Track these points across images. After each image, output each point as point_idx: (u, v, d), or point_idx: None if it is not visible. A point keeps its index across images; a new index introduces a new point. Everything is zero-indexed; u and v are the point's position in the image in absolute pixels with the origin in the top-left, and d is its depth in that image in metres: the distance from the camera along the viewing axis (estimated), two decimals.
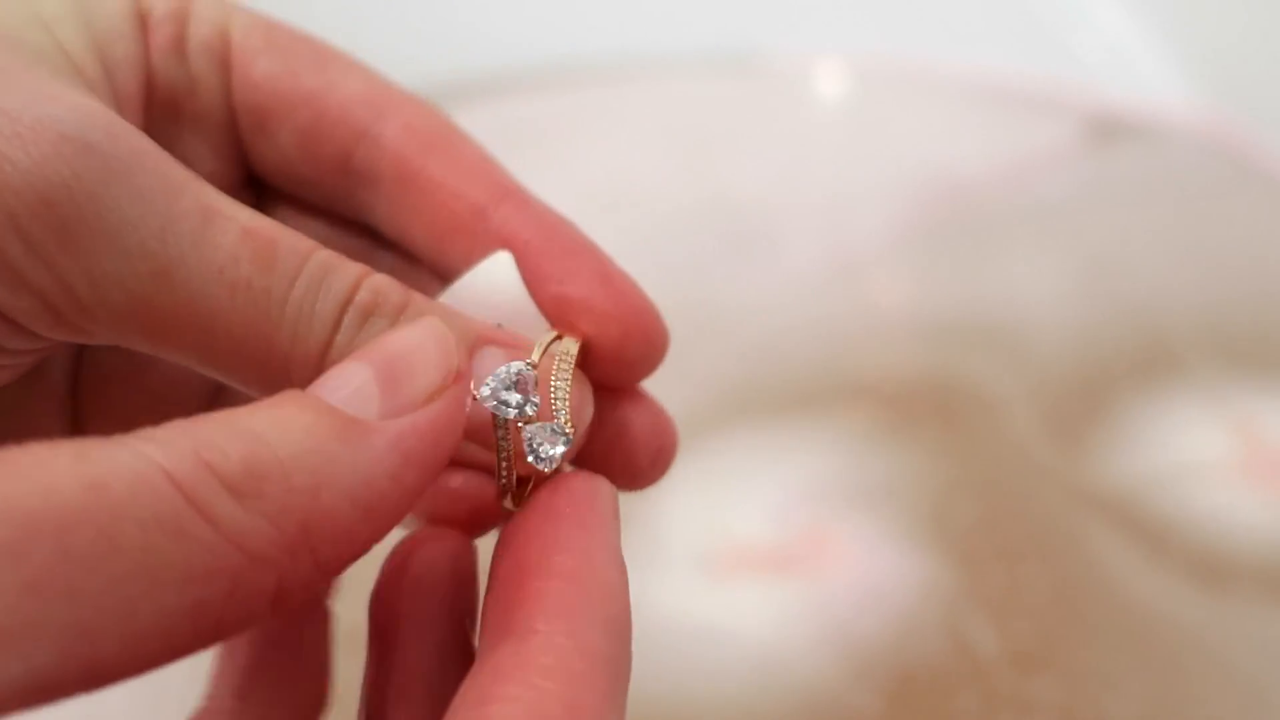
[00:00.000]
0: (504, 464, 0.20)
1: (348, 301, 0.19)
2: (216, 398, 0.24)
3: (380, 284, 0.20)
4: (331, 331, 0.19)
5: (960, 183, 0.63)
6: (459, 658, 0.20)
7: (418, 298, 0.20)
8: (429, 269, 0.23)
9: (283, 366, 0.19)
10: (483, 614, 0.19)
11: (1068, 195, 0.63)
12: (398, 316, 0.19)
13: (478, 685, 0.17)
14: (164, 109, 0.22)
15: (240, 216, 0.19)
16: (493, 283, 0.22)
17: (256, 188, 0.24)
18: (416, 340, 0.19)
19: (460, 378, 0.19)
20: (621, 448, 0.22)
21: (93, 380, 0.23)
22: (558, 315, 0.22)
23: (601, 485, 0.20)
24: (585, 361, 0.22)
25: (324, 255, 0.20)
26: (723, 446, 0.47)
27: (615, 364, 0.22)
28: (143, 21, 0.22)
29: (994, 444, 0.48)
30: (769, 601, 0.42)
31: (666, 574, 0.43)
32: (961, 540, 0.44)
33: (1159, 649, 0.40)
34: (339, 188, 0.23)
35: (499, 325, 0.21)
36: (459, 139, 0.23)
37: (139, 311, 0.19)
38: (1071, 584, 0.42)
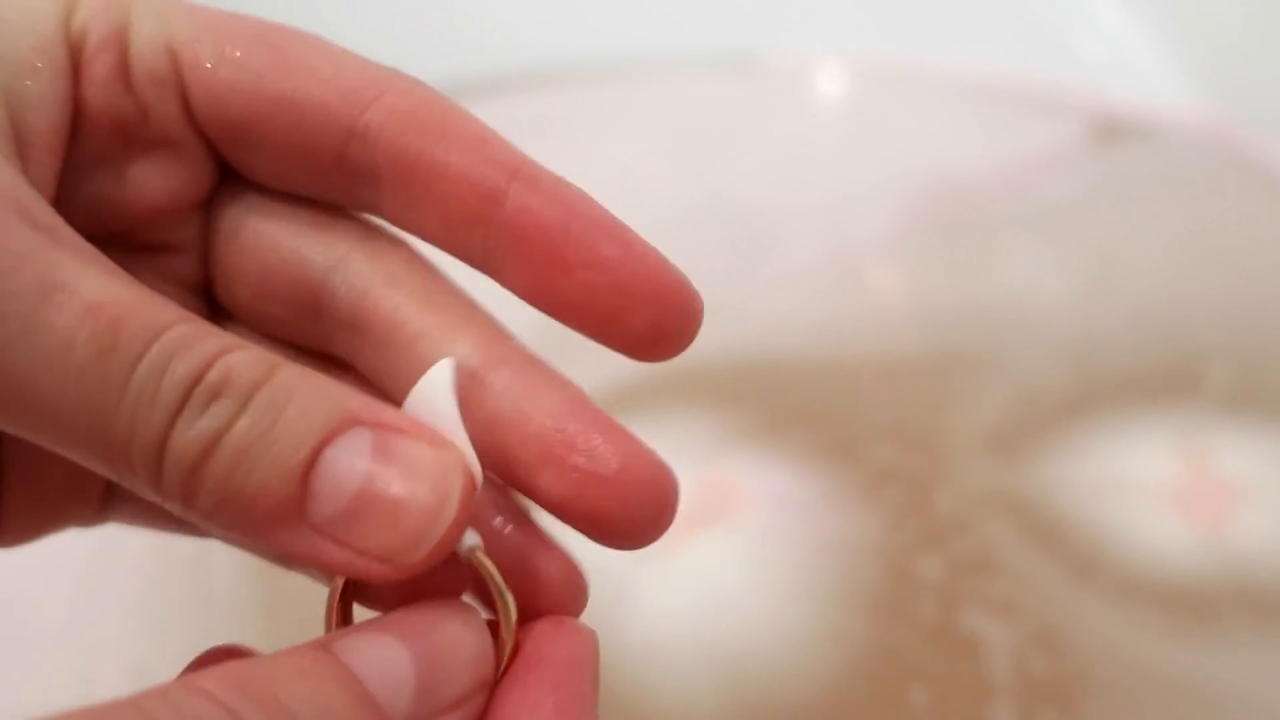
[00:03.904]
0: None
1: (194, 383, 0.17)
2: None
3: (237, 361, 0.18)
4: (171, 419, 0.17)
5: (961, 183, 0.63)
6: None
7: (279, 376, 0.18)
8: (452, 256, 0.22)
9: (122, 454, 0.18)
10: None
11: (1069, 196, 0.62)
12: (249, 397, 0.18)
13: None
14: (109, 137, 0.21)
15: (88, 291, 0.17)
16: (428, 398, 0.20)
17: (243, 184, 0.23)
18: (463, 639, 0.18)
19: (487, 688, 0.18)
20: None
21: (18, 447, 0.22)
22: (587, 300, 0.20)
23: (581, 640, 0.19)
24: (617, 341, 0.21)
25: (179, 332, 0.18)
26: (717, 439, 0.47)
27: (649, 341, 0.21)
28: (75, 53, 0.20)
29: (969, 441, 0.48)
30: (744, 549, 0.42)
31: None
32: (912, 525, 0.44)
33: (1062, 652, 0.40)
34: (338, 185, 0.22)
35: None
36: (451, 114, 0.21)
37: None
38: (974, 567, 0.43)
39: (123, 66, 0.21)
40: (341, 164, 0.21)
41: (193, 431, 0.17)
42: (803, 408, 0.50)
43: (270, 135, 0.21)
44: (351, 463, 0.18)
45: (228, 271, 0.23)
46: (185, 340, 0.18)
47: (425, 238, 0.21)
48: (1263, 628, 0.41)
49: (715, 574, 0.43)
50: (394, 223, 0.22)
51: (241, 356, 0.18)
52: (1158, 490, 0.45)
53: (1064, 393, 0.50)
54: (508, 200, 0.20)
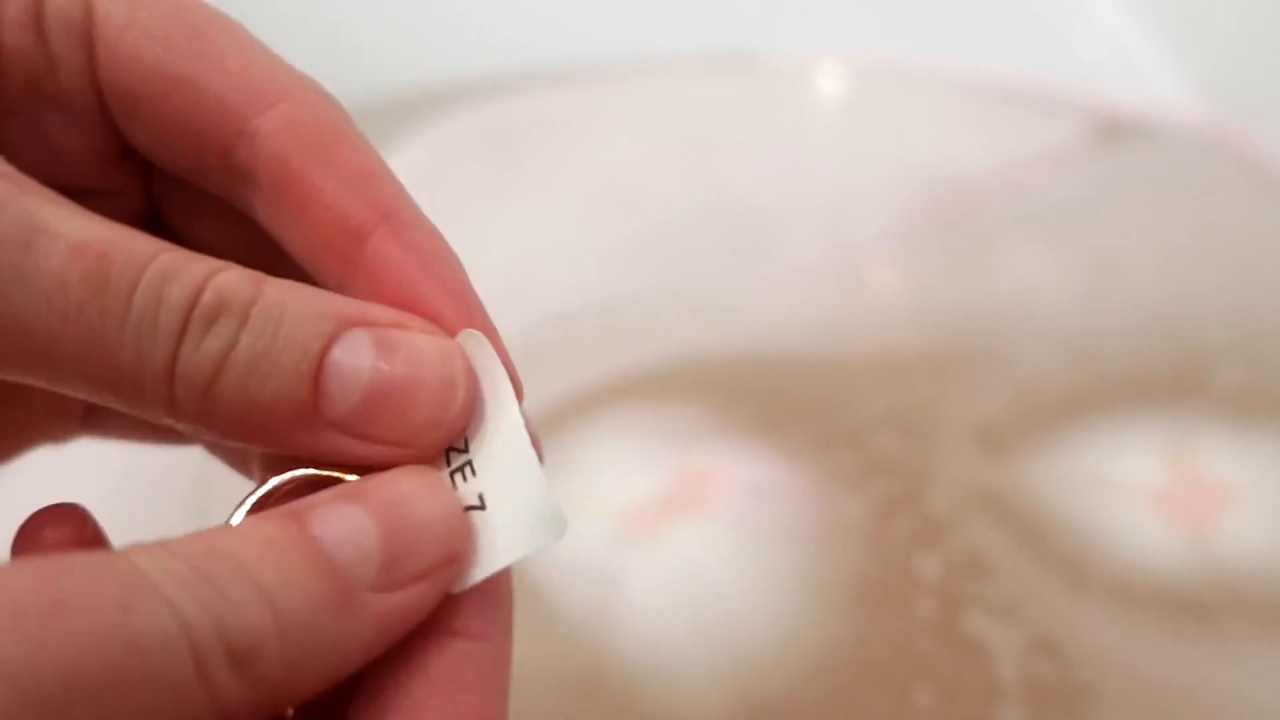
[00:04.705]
0: None
1: (191, 308, 0.18)
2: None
3: (227, 282, 0.18)
4: (176, 343, 0.18)
5: (961, 184, 0.63)
6: None
7: (269, 290, 0.19)
8: (311, 274, 0.21)
9: (132, 382, 0.18)
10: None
11: (1069, 196, 0.63)
12: (247, 314, 0.18)
13: None
14: (21, 86, 0.21)
15: (68, 231, 0.18)
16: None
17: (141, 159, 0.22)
18: (430, 511, 0.18)
19: (456, 561, 0.18)
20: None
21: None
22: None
23: None
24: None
25: (165, 260, 0.18)
26: (713, 440, 0.47)
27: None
28: None
29: (967, 439, 0.48)
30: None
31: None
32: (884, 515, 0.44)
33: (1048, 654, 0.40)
34: (218, 178, 0.21)
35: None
36: (343, 140, 0.21)
37: None
38: (958, 564, 0.43)
39: (38, 11, 0.20)
40: (225, 160, 0.21)
41: (200, 354, 0.18)
42: (800, 404, 0.50)
43: (162, 114, 0.21)
44: (357, 360, 0.19)
45: (179, 214, 0.23)
46: (173, 267, 0.18)
47: (289, 251, 0.21)
48: (1261, 632, 0.41)
49: (706, 564, 0.43)
50: (264, 226, 0.21)
51: (229, 276, 0.18)
52: (1152, 493, 0.45)
53: (1063, 393, 0.50)
54: (369, 243, 0.20)
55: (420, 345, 0.19)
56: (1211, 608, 0.41)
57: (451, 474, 0.19)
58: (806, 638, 0.41)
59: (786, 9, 0.72)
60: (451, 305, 0.20)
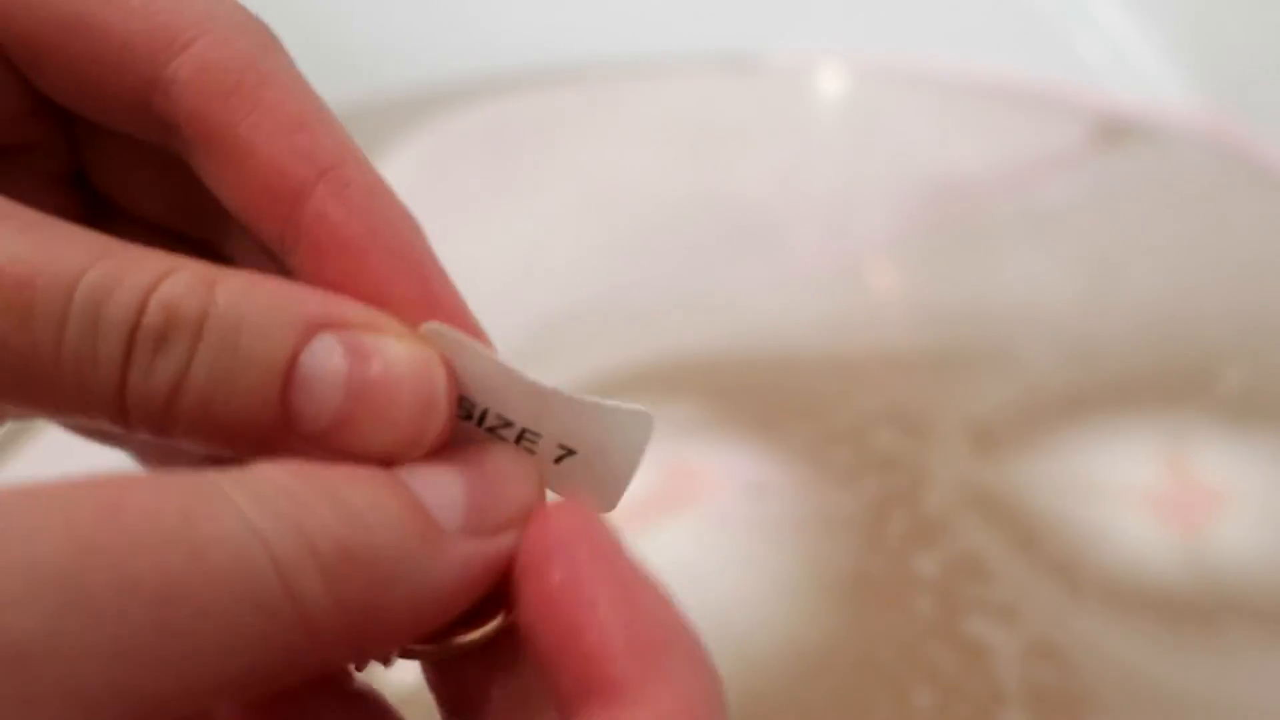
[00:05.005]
0: None
1: (134, 329, 0.16)
2: None
3: (173, 293, 0.16)
4: (122, 370, 0.16)
5: (962, 183, 0.63)
6: None
7: (222, 299, 0.17)
8: (254, 233, 0.19)
9: (79, 406, 0.17)
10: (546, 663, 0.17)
11: (1070, 196, 0.63)
12: (199, 331, 0.16)
13: None
14: None
15: None
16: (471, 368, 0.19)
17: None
18: (512, 470, 0.18)
19: (534, 517, 0.18)
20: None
21: None
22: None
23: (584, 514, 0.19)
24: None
25: (96, 276, 0.16)
26: (716, 443, 0.47)
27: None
28: None
29: (965, 439, 0.48)
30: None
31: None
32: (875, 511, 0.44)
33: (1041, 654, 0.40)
34: (148, 129, 0.19)
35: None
36: (269, 83, 0.18)
37: None
38: (952, 564, 0.43)
39: None
40: (146, 111, 0.19)
41: (152, 379, 0.17)
42: (798, 401, 0.50)
43: (67, 63, 0.18)
44: (328, 374, 0.17)
45: (108, 168, 0.21)
46: (107, 282, 0.16)
47: (231, 209, 0.19)
48: (1258, 634, 0.41)
49: (701, 561, 0.43)
50: (204, 180, 0.19)
51: (174, 285, 0.17)
52: (1149, 495, 0.45)
53: (1062, 393, 0.50)
54: (309, 204, 0.18)
55: (397, 355, 0.17)
56: (1208, 610, 0.41)
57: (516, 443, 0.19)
58: (803, 636, 0.41)
59: (786, 9, 0.72)
60: (404, 275, 0.18)
